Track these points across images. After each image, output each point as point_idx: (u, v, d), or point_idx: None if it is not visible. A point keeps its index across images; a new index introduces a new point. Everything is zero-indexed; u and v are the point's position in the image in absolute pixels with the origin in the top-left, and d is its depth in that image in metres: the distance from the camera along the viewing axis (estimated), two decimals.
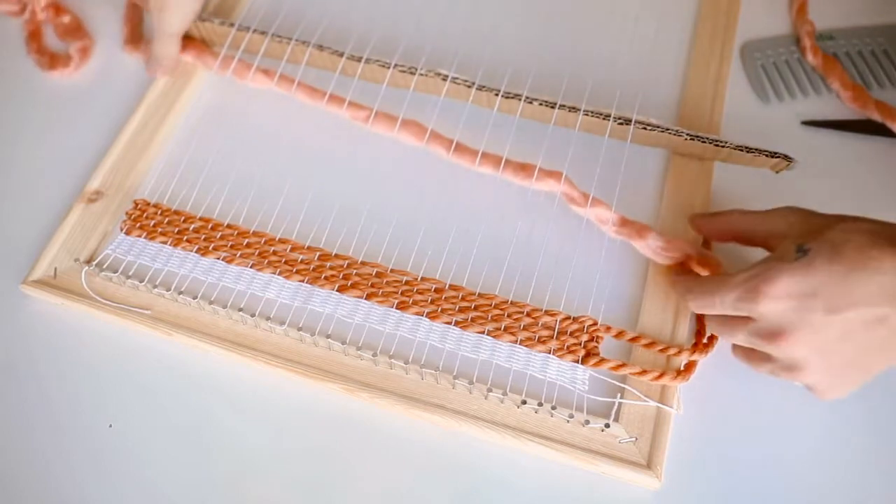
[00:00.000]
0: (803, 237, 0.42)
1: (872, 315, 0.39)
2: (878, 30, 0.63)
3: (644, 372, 0.48)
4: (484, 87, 0.56)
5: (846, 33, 0.63)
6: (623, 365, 0.48)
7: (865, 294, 0.39)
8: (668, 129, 0.54)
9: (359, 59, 0.58)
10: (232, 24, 0.61)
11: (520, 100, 0.56)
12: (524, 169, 0.52)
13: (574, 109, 0.56)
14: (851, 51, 0.62)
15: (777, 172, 0.54)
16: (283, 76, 0.57)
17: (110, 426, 0.50)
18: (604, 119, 0.55)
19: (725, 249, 0.53)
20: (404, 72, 0.58)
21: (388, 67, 0.58)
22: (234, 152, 0.57)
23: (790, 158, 0.53)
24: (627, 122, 0.55)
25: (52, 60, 0.63)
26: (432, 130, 0.54)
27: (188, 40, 0.61)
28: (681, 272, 0.51)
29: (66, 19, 0.65)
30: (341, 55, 0.58)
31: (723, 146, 0.54)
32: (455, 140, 0.54)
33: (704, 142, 0.54)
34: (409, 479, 0.48)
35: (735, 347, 0.47)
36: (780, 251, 0.42)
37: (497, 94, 0.56)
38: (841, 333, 0.40)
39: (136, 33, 0.65)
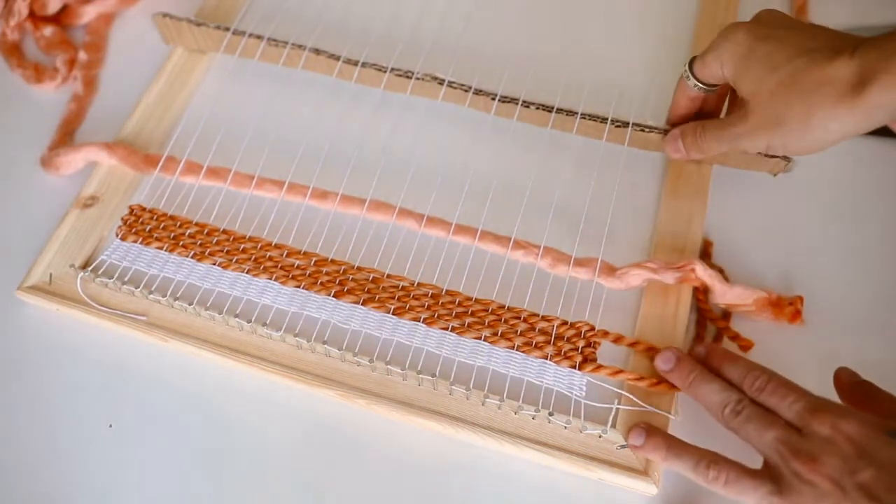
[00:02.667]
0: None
1: None
2: (879, 30, 0.62)
3: (641, 378, 0.47)
4: (481, 91, 0.56)
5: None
6: (620, 371, 0.47)
7: None
8: (665, 130, 0.54)
9: (355, 63, 0.58)
10: (227, 29, 0.60)
11: (517, 104, 0.56)
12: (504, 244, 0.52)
13: (571, 113, 0.55)
14: None
15: (775, 175, 0.54)
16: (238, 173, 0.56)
17: (110, 426, 0.50)
18: (601, 122, 0.55)
19: (729, 262, 0.53)
20: (400, 76, 0.57)
21: (385, 72, 0.57)
22: (230, 157, 0.57)
23: (788, 158, 0.53)
24: (625, 125, 0.55)
25: (39, 73, 0.63)
26: (400, 208, 0.54)
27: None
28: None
29: (47, 32, 0.65)
30: (338, 59, 0.58)
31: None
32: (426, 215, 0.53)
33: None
34: (406, 486, 0.48)
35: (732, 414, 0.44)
36: (877, 417, 0.40)
37: (494, 99, 0.56)
38: None
39: (66, 140, 0.61)
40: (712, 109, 0.52)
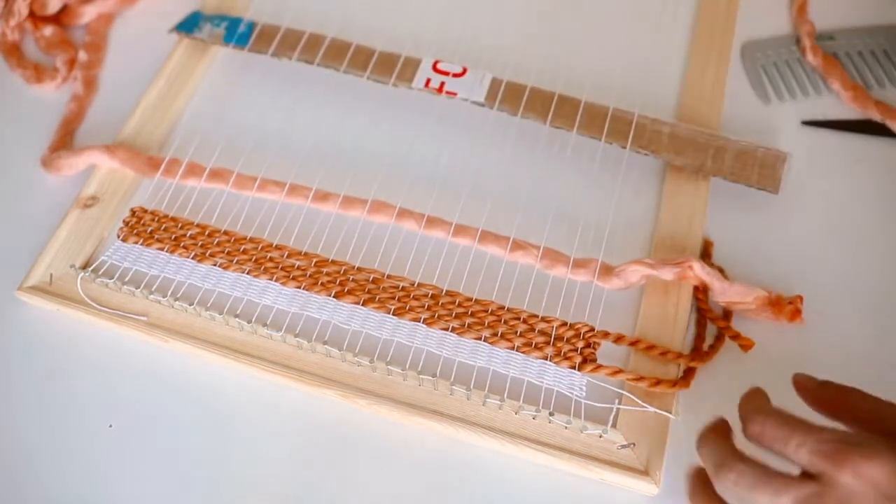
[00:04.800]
0: None
1: None
2: (879, 30, 0.62)
3: (641, 378, 0.47)
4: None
5: (847, 33, 0.62)
6: (620, 371, 0.47)
7: None
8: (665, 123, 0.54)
9: (364, 67, 0.59)
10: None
11: (518, 104, 0.56)
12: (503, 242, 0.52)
13: (572, 113, 0.56)
14: (852, 51, 0.61)
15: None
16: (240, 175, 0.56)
17: (110, 426, 0.50)
18: (601, 123, 0.55)
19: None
20: (404, 81, 0.58)
21: (387, 83, 0.58)
22: (230, 157, 0.57)
23: (784, 155, 0.53)
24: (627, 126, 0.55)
25: (39, 73, 0.63)
26: (400, 208, 0.53)
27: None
28: (757, 392, 0.44)
29: (47, 32, 0.65)
30: (340, 66, 0.59)
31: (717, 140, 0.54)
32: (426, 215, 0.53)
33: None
34: (406, 485, 0.48)
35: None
36: (886, 438, 0.36)
37: (493, 100, 0.56)
38: None
39: (66, 141, 0.61)
40: None
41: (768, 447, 0.38)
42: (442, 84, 0.57)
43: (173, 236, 0.53)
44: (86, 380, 0.51)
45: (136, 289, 0.52)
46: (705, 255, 0.53)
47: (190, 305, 0.51)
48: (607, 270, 0.51)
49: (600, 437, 0.47)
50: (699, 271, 0.49)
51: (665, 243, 0.53)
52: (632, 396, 0.47)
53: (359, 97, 0.60)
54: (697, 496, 0.40)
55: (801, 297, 0.50)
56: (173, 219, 0.54)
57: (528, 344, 0.48)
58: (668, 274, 0.50)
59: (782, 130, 0.59)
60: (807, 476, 0.36)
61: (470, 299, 0.50)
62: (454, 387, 0.48)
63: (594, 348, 0.48)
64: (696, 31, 0.63)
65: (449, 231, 0.53)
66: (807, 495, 0.35)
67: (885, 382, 0.44)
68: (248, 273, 0.52)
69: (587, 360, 0.48)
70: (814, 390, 0.42)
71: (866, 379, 0.44)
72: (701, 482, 0.40)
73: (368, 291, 0.51)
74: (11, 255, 0.55)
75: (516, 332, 0.49)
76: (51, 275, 0.53)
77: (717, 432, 0.40)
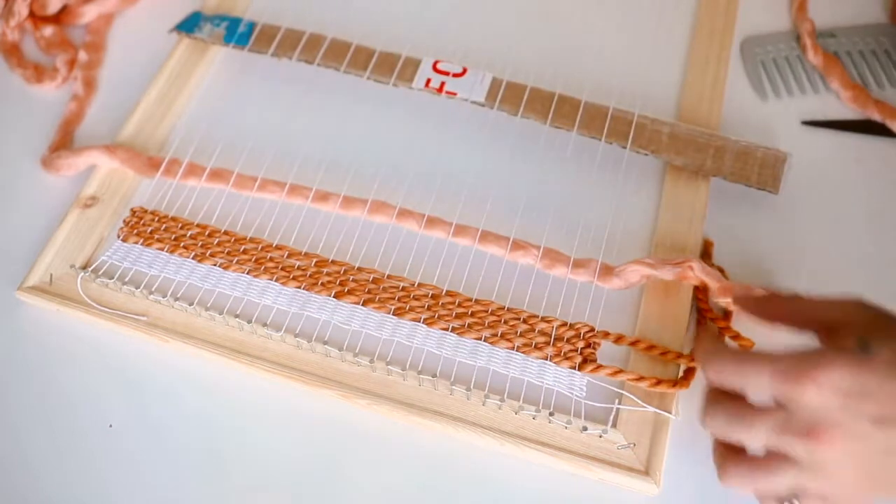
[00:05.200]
0: (869, 333, 0.37)
1: None
2: (880, 28, 0.62)
3: (641, 378, 0.47)
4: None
5: (847, 32, 0.62)
6: (620, 371, 0.47)
7: None
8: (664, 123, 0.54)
9: (364, 67, 0.59)
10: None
11: (518, 104, 0.56)
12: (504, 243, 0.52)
13: (572, 113, 0.55)
14: (852, 49, 0.61)
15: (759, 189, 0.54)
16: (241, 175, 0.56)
17: (110, 426, 0.50)
18: (600, 123, 0.55)
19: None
20: (404, 81, 0.58)
21: (387, 83, 0.58)
22: (230, 158, 0.57)
23: (784, 155, 0.53)
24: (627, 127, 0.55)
25: (39, 73, 0.63)
26: (401, 208, 0.53)
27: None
28: (706, 336, 0.47)
29: (47, 32, 0.65)
30: (340, 66, 0.59)
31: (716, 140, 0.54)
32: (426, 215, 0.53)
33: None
34: (406, 486, 0.48)
35: (727, 465, 0.40)
36: (838, 342, 0.38)
37: (493, 100, 0.56)
38: (883, 449, 0.35)
39: (66, 141, 0.61)
40: None
41: (731, 387, 0.39)
42: (442, 84, 0.57)
43: (173, 236, 0.53)
44: (86, 380, 0.51)
45: (137, 289, 0.52)
46: (705, 255, 0.53)
47: (190, 305, 0.51)
48: (607, 270, 0.51)
49: (600, 437, 0.47)
50: (699, 272, 0.49)
51: (665, 243, 0.53)
52: (632, 396, 0.47)
53: (359, 97, 0.60)
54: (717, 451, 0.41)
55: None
56: (173, 219, 0.54)
57: (528, 344, 0.48)
58: (668, 274, 0.50)
59: (782, 130, 0.59)
60: (775, 404, 0.37)
61: (470, 299, 0.50)
62: (454, 387, 0.48)
63: (594, 348, 0.48)
64: (695, 31, 0.63)
65: (449, 231, 0.53)
66: (778, 422, 0.37)
67: None
68: (248, 273, 0.52)
69: (587, 361, 0.48)
70: (755, 303, 0.44)
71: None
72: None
73: (368, 291, 0.51)
74: (11, 255, 0.55)
75: (516, 332, 0.49)
76: (51, 275, 0.53)
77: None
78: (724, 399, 0.39)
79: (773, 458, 0.38)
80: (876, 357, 0.36)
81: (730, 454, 0.40)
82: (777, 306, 0.43)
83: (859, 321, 0.38)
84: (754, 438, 0.38)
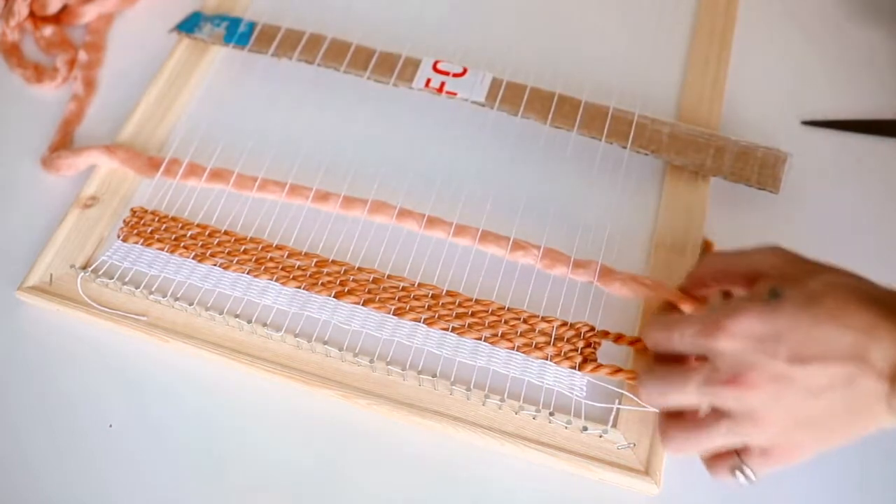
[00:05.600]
0: (782, 280, 0.39)
1: (839, 373, 0.37)
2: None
3: None
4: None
5: None
6: (619, 370, 0.47)
7: (834, 349, 0.36)
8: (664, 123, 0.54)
9: (364, 68, 0.59)
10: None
11: (519, 104, 0.56)
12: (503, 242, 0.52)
13: (572, 114, 0.55)
14: None
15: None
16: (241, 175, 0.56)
17: (110, 426, 0.50)
18: (601, 123, 0.55)
19: None
20: (404, 81, 0.58)
21: (388, 83, 0.58)
22: (230, 158, 0.57)
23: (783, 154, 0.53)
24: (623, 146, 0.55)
25: (39, 73, 0.63)
26: (401, 208, 0.53)
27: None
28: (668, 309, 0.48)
29: (47, 32, 0.65)
30: (340, 66, 0.59)
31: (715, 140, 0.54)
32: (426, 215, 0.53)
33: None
34: (406, 486, 0.48)
35: (668, 431, 0.42)
36: (753, 292, 0.40)
37: (493, 100, 0.56)
38: (804, 388, 0.37)
39: (66, 141, 0.61)
40: None
41: (663, 351, 0.42)
42: (442, 84, 0.57)
43: (173, 236, 0.53)
44: (86, 380, 0.51)
45: (137, 289, 0.52)
46: (705, 254, 0.53)
47: (190, 305, 0.51)
48: (608, 272, 0.51)
49: (600, 437, 0.47)
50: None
51: (665, 243, 0.53)
52: (632, 396, 0.47)
53: (359, 97, 0.60)
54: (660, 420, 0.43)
55: None
56: (174, 219, 0.54)
57: (528, 344, 0.48)
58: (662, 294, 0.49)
59: (782, 130, 0.59)
60: (699, 360, 0.40)
61: (470, 299, 0.50)
62: (454, 387, 0.48)
63: (594, 348, 0.48)
64: (695, 31, 0.63)
65: (449, 231, 0.53)
66: (705, 376, 0.39)
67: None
68: (248, 273, 0.52)
69: (587, 360, 0.48)
70: (689, 279, 0.47)
71: None
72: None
73: (369, 291, 0.51)
74: (11, 255, 0.55)
75: (516, 332, 0.49)
76: (51, 275, 0.53)
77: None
78: (655, 368, 0.42)
79: (708, 416, 0.40)
80: (785, 301, 0.38)
81: (670, 421, 0.42)
82: (702, 271, 0.46)
83: (775, 268, 0.40)
84: (687, 397, 0.40)
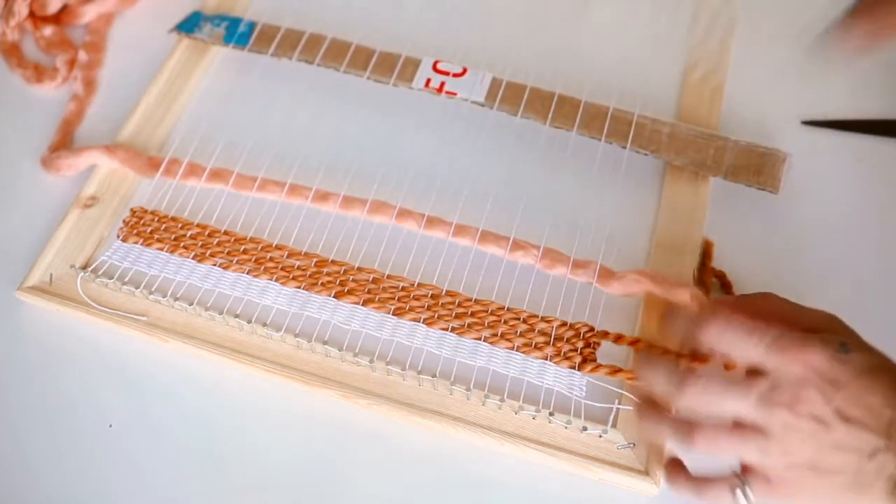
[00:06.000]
0: (849, 340, 0.41)
1: (869, 442, 0.38)
2: None
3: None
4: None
5: None
6: (619, 370, 0.47)
7: (876, 420, 0.38)
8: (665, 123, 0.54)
9: (364, 67, 0.59)
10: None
11: (518, 104, 0.56)
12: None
13: (572, 113, 0.56)
14: None
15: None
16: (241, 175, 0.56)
17: (110, 426, 0.50)
18: (601, 123, 0.55)
19: None
20: (404, 81, 0.58)
21: (387, 83, 0.58)
22: (230, 158, 0.57)
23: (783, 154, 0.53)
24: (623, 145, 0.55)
25: (39, 73, 0.63)
26: (400, 208, 0.53)
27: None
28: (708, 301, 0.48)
29: (47, 32, 0.65)
30: (340, 66, 0.59)
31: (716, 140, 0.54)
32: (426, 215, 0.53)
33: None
34: (406, 486, 0.48)
35: (695, 434, 0.42)
36: (822, 337, 0.41)
37: (493, 99, 0.56)
38: (835, 440, 0.39)
39: (66, 141, 0.61)
40: None
41: (724, 348, 0.42)
42: (442, 84, 0.57)
43: (173, 236, 0.53)
44: (86, 380, 0.51)
45: (136, 289, 0.52)
46: (706, 255, 0.53)
47: (190, 305, 0.51)
48: (608, 274, 0.50)
49: (600, 437, 0.47)
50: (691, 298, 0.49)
51: (665, 243, 0.53)
52: (632, 396, 0.47)
53: (359, 97, 0.60)
54: (647, 415, 0.44)
55: None
56: (173, 219, 0.54)
57: (527, 344, 0.48)
58: (666, 293, 0.49)
59: (782, 130, 0.59)
60: (758, 374, 0.40)
61: (470, 299, 0.50)
62: (454, 387, 0.48)
63: (594, 348, 0.48)
64: (695, 31, 0.63)
65: (449, 231, 0.53)
66: (766, 390, 0.40)
67: None
68: (248, 273, 0.52)
69: (587, 360, 0.48)
70: (735, 304, 0.46)
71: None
72: (650, 404, 0.44)
73: (368, 291, 0.51)
74: (11, 255, 0.55)
75: (516, 332, 0.49)
76: (51, 275, 0.53)
77: (668, 359, 0.45)
78: (705, 372, 0.42)
79: (744, 428, 0.41)
80: (854, 359, 0.39)
81: (697, 428, 0.42)
82: (760, 303, 0.45)
83: (838, 331, 0.42)
84: (743, 406, 0.40)
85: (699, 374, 0.42)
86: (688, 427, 0.42)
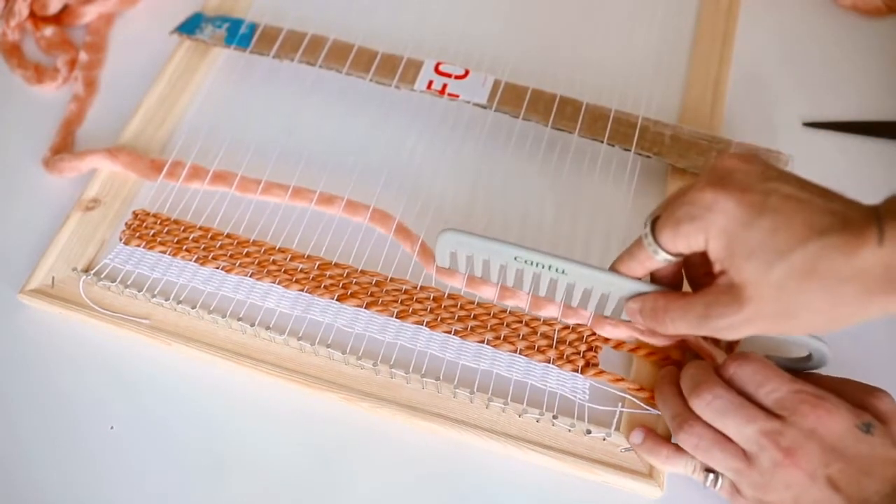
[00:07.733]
0: (881, 422, 0.41)
1: None
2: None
3: (642, 389, 0.47)
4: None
5: None
6: (622, 379, 0.48)
7: (865, 498, 0.39)
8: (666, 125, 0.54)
9: (366, 69, 0.59)
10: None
11: (520, 106, 0.56)
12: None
13: (574, 116, 0.55)
14: None
15: None
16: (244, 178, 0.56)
17: (112, 428, 0.50)
18: (602, 126, 0.55)
19: None
20: (406, 83, 0.58)
21: (390, 85, 0.58)
22: (231, 159, 0.57)
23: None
24: (627, 149, 0.55)
25: (40, 74, 0.63)
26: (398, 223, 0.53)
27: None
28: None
29: (48, 32, 0.65)
30: (342, 68, 0.59)
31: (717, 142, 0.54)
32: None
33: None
34: (410, 489, 0.48)
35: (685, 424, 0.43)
36: (855, 411, 0.41)
37: (494, 101, 0.56)
38: (813, 499, 0.40)
39: (67, 142, 0.60)
40: (669, 277, 0.45)
41: (740, 385, 0.43)
42: (444, 86, 0.57)
43: (176, 239, 0.53)
44: (87, 382, 0.51)
45: (139, 292, 0.52)
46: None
47: (192, 309, 0.51)
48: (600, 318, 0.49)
49: (604, 440, 0.47)
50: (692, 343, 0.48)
51: None
52: (635, 399, 0.48)
53: (361, 99, 0.60)
54: (664, 388, 0.46)
55: None
56: (176, 221, 0.54)
57: (530, 347, 0.48)
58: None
59: (783, 132, 0.59)
60: (772, 413, 0.41)
61: (472, 302, 0.50)
62: (457, 390, 0.48)
63: (596, 351, 0.48)
64: (697, 33, 0.63)
65: None
66: (769, 429, 0.41)
67: (886, 385, 0.44)
68: (250, 276, 0.52)
69: (589, 364, 0.48)
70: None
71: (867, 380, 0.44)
72: (670, 379, 0.46)
73: (371, 294, 0.51)
74: (13, 258, 0.55)
75: (519, 335, 0.49)
76: (53, 278, 0.53)
77: (701, 361, 0.46)
78: (722, 385, 0.43)
79: (737, 447, 0.42)
80: (870, 440, 0.40)
81: (689, 419, 0.43)
82: (824, 382, 0.44)
83: (884, 413, 0.42)
84: (740, 431, 0.42)
85: (715, 386, 0.43)
86: (685, 415, 0.43)
